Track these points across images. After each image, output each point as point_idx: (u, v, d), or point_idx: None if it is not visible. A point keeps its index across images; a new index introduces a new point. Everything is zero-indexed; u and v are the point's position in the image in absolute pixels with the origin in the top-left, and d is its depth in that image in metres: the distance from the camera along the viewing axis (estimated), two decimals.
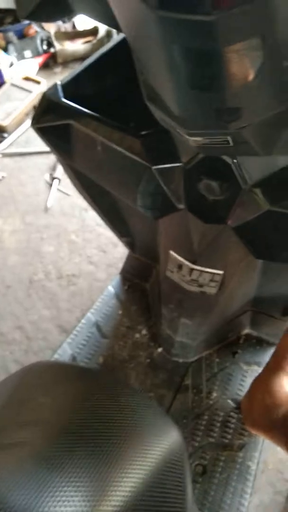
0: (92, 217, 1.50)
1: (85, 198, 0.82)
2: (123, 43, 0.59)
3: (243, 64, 0.23)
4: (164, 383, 0.94)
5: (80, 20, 2.08)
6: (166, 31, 0.21)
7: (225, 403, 0.91)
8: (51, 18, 0.39)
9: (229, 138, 0.36)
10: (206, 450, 0.84)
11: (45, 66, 2.06)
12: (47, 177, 1.65)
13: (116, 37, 0.62)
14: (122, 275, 1.15)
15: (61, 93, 0.56)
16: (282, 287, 0.82)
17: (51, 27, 2.06)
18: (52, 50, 2.04)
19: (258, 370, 0.97)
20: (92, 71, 0.59)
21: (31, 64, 1.99)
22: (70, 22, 2.09)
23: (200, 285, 0.72)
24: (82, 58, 2.02)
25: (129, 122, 0.57)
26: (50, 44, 2.04)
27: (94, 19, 0.35)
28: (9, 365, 1.19)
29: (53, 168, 1.66)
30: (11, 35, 1.98)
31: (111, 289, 1.12)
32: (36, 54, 2.02)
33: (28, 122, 1.75)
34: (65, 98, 0.58)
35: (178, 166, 0.55)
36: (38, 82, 1.87)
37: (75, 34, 2.09)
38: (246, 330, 0.99)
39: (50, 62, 2.07)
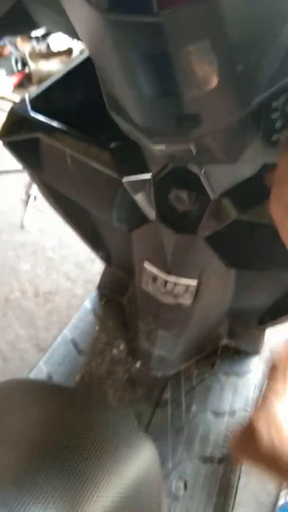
0: (69, 233, 1.49)
1: (58, 213, 0.81)
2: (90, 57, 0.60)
3: (196, 68, 0.24)
4: (143, 399, 0.93)
5: (54, 41, 2.11)
6: (116, 35, 0.22)
7: (205, 416, 0.91)
8: (16, 31, 0.39)
9: (192, 146, 0.36)
10: (187, 465, 0.82)
11: (20, 86, 2.07)
12: (22, 194, 1.64)
13: (86, 52, 0.63)
14: (99, 290, 1.14)
15: (28, 107, 0.56)
16: (256, 297, 0.83)
17: (26, 47, 2.08)
18: (26, 69, 2.05)
19: (237, 380, 0.97)
20: (61, 85, 0.60)
21: (6, 83, 1.99)
22: (45, 43, 2.12)
23: (175, 296, 0.72)
24: None
25: (99, 135, 0.57)
26: (24, 64, 2.06)
27: (58, 31, 0.36)
28: None
29: (29, 186, 1.65)
30: None
31: (88, 305, 1.11)
32: (11, 73, 2.04)
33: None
34: (35, 112, 0.58)
35: (148, 177, 0.55)
36: (13, 102, 1.88)
37: (49, 54, 2.11)
38: (224, 341, 0.99)
39: (25, 82, 2.08)
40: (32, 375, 0.98)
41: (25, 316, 1.31)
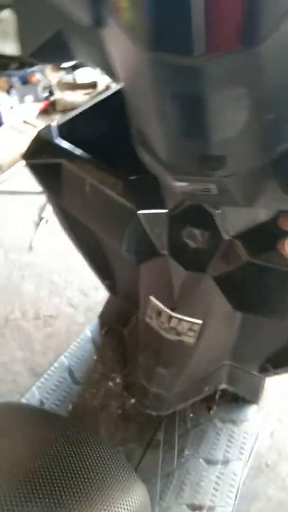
0: (76, 259, 1.50)
1: (70, 238, 0.82)
2: (119, 92, 0.62)
3: (228, 113, 0.24)
4: (135, 437, 0.90)
5: (81, 74, 2.20)
6: (154, 72, 0.22)
7: (197, 462, 0.87)
8: (51, 60, 0.41)
9: (213, 186, 0.37)
10: (175, 511, 0.78)
11: (45, 112, 2.14)
12: (34, 216, 1.66)
13: (114, 87, 0.65)
14: (100, 319, 1.12)
15: (54, 133, 0.58)
16: (261, 342, 0.81)
17: (54, 77, 2.17)
18: (52, 98, 2.13)
19: (233, 428, 0.93)
20: (87, 116, 0.62)
21: (31, 108, 2.07)
22: (72, 75, 2.20)
23: (179, 334, 0.71)
24: None
25: (119, 167, 0.58)
26: (51, 92, 2.13)
27: (91, 65, 0.37)
28: None
29: (42, 208, 1.67)
30: (15, 80, 2.07)
31: (88, 332, 1.10)
32: (37, 100, 2.11)
33: (22, 163, 1.79)
34: (61, 138, 0.59)
35: (163, 212, 0.56)
36: (35, 127, 1.94)
37: (75, 86, 2.19)
38: (223, 385, 0.96)
39: (50, 109, 2.15)
40: (24, 400, 0.95)
41: (23, 338, 1.29)
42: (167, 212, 0.55)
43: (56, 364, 1.03)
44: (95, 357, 1.04)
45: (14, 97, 2.07)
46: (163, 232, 0.58)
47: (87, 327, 1.12)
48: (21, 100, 2.10)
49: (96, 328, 1.10)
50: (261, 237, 0.53)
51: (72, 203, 0.64)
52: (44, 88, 2.13)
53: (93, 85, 2.17)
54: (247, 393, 0.96)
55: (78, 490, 0.40)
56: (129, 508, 0.43)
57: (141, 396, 0.93)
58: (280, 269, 0.53)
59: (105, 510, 0.41)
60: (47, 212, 1.64)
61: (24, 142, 1.85)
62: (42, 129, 0.59)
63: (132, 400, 0.96)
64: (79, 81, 2.22)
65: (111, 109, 0.61)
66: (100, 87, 2.15)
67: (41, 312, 1.36)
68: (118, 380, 1.00)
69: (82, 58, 0.37)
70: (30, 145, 0.60)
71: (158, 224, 0.57)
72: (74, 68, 2.21)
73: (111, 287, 0.97)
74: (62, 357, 1.04)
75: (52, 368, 1.02)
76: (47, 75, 2.14)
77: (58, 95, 2.11)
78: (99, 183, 0.55)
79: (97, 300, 1.39)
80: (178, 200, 0.54)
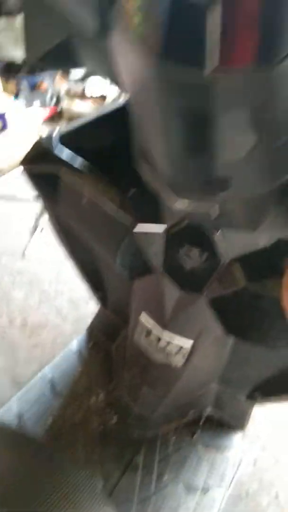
0: (68, 269, 1.48)
1: (64, 248, 0.80)
2: (124, 106, 0.61)
3: (235, 134, 0.23)
4: (113, 458, 0.87)
5: (91, 85, 2.21)
6: (162, 83, 0.21)
7: (175, 488, 0.84)
8: (59, 66, 0.40)
9: (216, 206, 0.35)
10: None
11: (51, 120, 2.14)
12: (30, 224, 1.64)
13: (120, 100, 0.65)
14: (88, 331, 1.10)
15: (55, 142, 0.57)
16: (250, 370, 0.80)
17: (63, 86, 2.18)
18: (59, 106, 2.13)
19: (216, 455, 0.91)
20: (92, 126, 0.61)
21: (37, 114, 2.07)
22: (81, 85, 2.21)
23: (167, 355, 0.69)
24: None
25: (119, 181, 0.57)
26: (58, 101, 2.14)
27: (98, 74, 0.36)
28: None
29: (39, 217, 1.66)
30: (24, 85, 2.08)
31: (74, 344, 1.07)
32: (44, 107, 2.12)
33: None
34: (63, 146, 0.58)
35: (160, 229, 0.54)
36: (40, 133, 1.94)
37: (83, 97, 2.20)
38: (209, 410, 0.94)
39: (56, 117, 2.16)
40: (2, 411, 0.92)
41: (8, 346, 1.26)
42: (164, 230, 0.54)
43: (38, 375, 1.00)
44: (79, 369, 1.01)
45: (21, 102, 2.08)
46: (159, 250, 0.57)
47: (74, 339, 1.09)
48: (28, 105, 2.10)
49: (84, 341, 1.08)
50: (260, 263, 0.52)
51: (68, 213, 0.63)
52: (52, 96, 2.14)
53: (102, 97, 2.19)
54: (233, 419, 0.93)
55: None
56: None
57: (124, 415, 0.90)
58: (276, 298, 0.52)
59: None
60: (43, 221, 1.63)
61: (27, 147, 1.85)
62: (43, 137, 0.58)
63: (114, 419, 0.93)
64: (88, 92, 2.23)
65: (115, 123, 0.60)
66: (109, 99, 2.16)
67: (29, 321, 1.34)
68: (102, 396, 0.97)
69: (89, 66, 0.36)
70: (29, 152, 0.59)
71: (154, 242, 0.56)
72: (84, 78, 2.22)
73: (102, 299, 0.95)
74: (46, 368, 1.01)
75: (34, 379, 0.99)
76: (56, 83, 2.15)
77: (65, 104, 2.12)
78: (96, 197, 0.54)
79: (87, 311, 1.36)
80: (177, 218, 0.53)
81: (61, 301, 1.40)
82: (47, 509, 0.38)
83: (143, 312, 0.70)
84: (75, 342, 1.08)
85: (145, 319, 0.69)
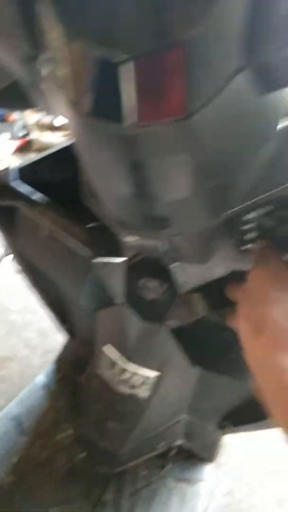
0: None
1: (27, 280, 0.79)
2: None
3: (167, 178, 0.24)
4: (81, 496, 0.83)
5: (60, 116, 2.25)
6: (93, 136, 0.22)
7: None
8: (11, 107, 0.41)
9: (165, 241, 0.36)
10: None
11: (21, 150, 2.15)
12: (1, 252, 1.62)
13: None
14: (56, 364, 1.07)
15: (12, 176, 0.57)
16: (219, 400, 0.79)
17: (32, 117, 2.20)
18: (28, 137, 2.15)
19: (186, 488, 0.89)
20: (50, 160, 0.61)
21: (7, 146, 2.07)
22: (51, 116, 2.24)
23: (132, 387, 0.68)
24: None
25: (78, 213, 0.58)
26: (28, 132, 2.16)
27: (50, 113, 0.37)
28: None
29: (6, 245, 1.64)
30: None
31: (41, 378, 1.04)
32: (13, 138, 2.13)
33: None
34: (22, 181, 0.58)
35: (120, 261, 0.55)
36: (8, 164, 1.94)
37: (53, 127, 2.23)
38: (179, 441, 0.92)
39: (25, 148, 2.17)
40: None
41: None
42: (123, 261, 0.54)
43: (4, 411, 0.96)
44: (46, 405, 0.98)
45: None
46: (120, 281, 0.57)
47: (41, 372, 1.06)
48: None
49: (51, 374, 1.05)
50: (219, 293, 0.53)
51: (27, 247, 0.63)
52: (22, 127, 2.16)
53: None
54: (203, 451, 0.92)
55: None
56: None
57: (91, 451, 0.88)
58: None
59: None
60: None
61: None
62: (1, 171, 0.58)
63: (82, 455, 0.90)
64: (58, 123, 2.25)
65: (73, 156, 0.61)
66: None
67: None
68: (69, 431, 0.95)
69: (39, 105, 0.37)
70: None
71: (114, 273, 0.56)
72: None
73: (70, 330, 0.93)
74: (12, 404, 0.98)
75: None
76: (25, 114, 2.17)
77: (34, 135, 2.14)
78: (56, 230, 0.54)
79: (56, 342, 1.33)
80: (136, 250, 0.53)
81: (30, 332, 1.37)
82: None
83: (107, 344, 0.69)
84: (42, 375, 1.05)
85: (109, 351, 0.68)
